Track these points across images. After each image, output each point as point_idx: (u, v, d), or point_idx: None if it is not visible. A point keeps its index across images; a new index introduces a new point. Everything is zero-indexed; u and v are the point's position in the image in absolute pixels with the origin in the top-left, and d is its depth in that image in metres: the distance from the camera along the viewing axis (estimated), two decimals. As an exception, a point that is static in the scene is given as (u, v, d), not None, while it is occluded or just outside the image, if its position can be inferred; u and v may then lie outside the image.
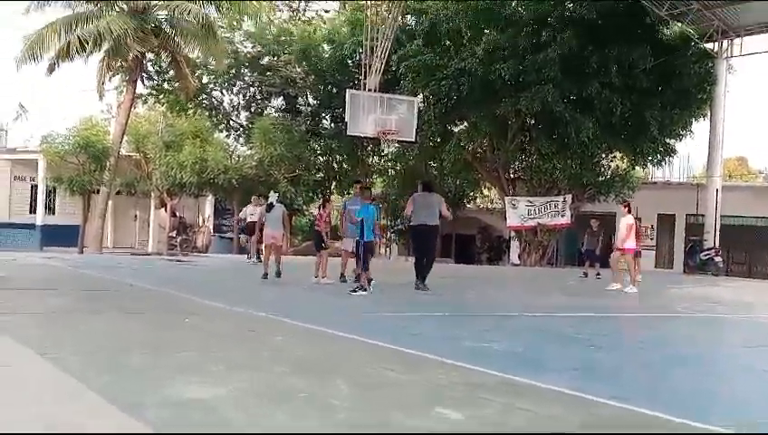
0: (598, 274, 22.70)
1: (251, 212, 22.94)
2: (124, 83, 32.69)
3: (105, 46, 28.66)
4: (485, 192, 37.40)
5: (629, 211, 18.16)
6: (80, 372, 5.55)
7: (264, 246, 17.29)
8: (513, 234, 32.79)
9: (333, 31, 36.41)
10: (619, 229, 18.37)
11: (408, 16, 32.02)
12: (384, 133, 25.38)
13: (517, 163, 32.93)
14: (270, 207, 16.93)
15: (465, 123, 31.47)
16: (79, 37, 28.17)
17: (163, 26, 29.78)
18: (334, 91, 34.39)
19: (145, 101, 38.04)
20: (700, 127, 31.42)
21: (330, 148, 36.97)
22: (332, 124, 36.28)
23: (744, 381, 6.88)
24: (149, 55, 32.85)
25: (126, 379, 5.45)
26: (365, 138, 29.59)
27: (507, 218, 30.42)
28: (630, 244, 17.61)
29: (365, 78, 25.17)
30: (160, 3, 29.83)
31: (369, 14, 26.84)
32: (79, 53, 28.75)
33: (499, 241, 36.24)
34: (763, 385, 6.59)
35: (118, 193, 35.11)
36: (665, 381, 6.70)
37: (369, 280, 13.30)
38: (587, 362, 7.26)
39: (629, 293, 16.51)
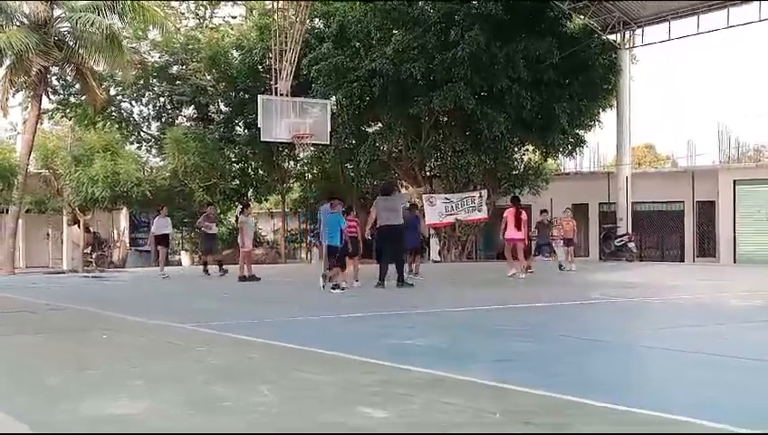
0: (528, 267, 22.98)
1: (164, 224, 22.68)
2: (29, 99, 31.82)
3: (7, 62, 27.83)
4: (403, 191, 37.54)
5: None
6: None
7: None
8: (432, 231, 33.03)
9: (242, 37, 36.13)
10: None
11: (317, 19, 31.99)
12: (298, 137, 25.34)
13: (433, 161, 33.23)
14: None
15: (380, 124, 31.59)
16: (-22, 55, 27.31)
17: (66, 39, 29.05)
18: (246, 97, 34.15)
19: (51, 117, 37.14)
20: (608, 117, 32.26)
21: (245, 154, 36.74)
22: (246, 131, 35.95)
23: (661, 362, 7.06)
24: (54, 69, 32.04)
25: (41, 398, 5.30)
26: (280, 143, 29.45)
27: (425, 216, 30.59)
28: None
29: (276, 83, 25.07)
30: (62, 15, 29.10)
31: (276, 18, 26.73)
32: (-21, 71, 27.96)
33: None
34: (678, 366, 6.77)
35: (28, 211, 34.10)
36: (589, 367, 6.82)
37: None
38: (511, 354, 7.35)
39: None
